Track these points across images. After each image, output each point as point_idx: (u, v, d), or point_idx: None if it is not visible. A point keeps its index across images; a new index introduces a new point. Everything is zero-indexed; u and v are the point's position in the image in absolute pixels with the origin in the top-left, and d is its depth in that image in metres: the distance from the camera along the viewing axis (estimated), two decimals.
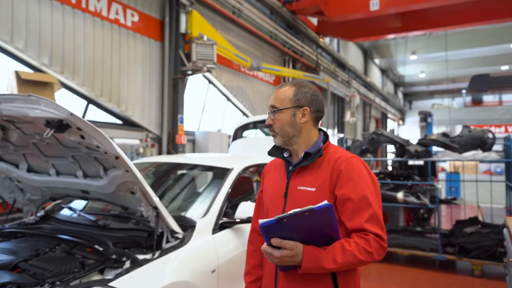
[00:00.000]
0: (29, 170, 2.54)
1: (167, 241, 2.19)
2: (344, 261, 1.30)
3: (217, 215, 2.55)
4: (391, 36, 14.38)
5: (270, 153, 1.63)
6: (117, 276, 1.84)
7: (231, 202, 2.79)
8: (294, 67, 11.93)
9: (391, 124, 27.63)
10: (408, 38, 16.14)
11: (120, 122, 6.55)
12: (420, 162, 6.21)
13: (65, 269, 1.89)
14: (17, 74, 4.34)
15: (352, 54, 19.04)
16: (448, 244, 5.12)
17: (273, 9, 10.43)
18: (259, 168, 3.33)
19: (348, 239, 1.36)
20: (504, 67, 23.00)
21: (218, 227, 2.51)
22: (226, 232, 2.55)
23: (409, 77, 27.54)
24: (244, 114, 9.95)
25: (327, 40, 15.11)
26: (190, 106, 7.94)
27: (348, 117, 15.80)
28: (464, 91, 29.32)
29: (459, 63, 21.83)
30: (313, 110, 1.53)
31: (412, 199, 5.32)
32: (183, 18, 7.05)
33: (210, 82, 8.84)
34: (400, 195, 5.42)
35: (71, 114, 1.73)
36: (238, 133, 4.96)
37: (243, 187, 3.26)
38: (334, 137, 15.55)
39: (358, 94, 16.85)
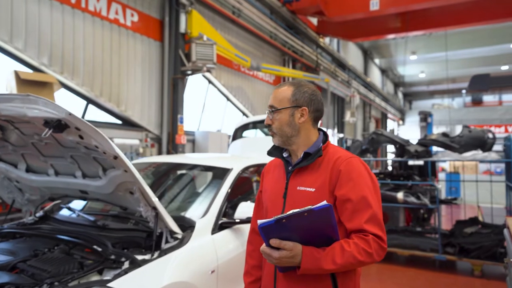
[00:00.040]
0: (28, 170, 2.53)
1: (166, 242, 2.18)
2: (344, 262, 1.30)
3: (217, 215, 2.54)
4: (391, 36, 14.37)
5: (270, 153, 1.63)
6: (116, 276, 1.83)
7: (231, 202, 2.78)
8: (294, 67, 11.93)
9: (391, 124, 27.63)
10: (408, 38, 16.13)
11: (119, 122, 6.54)
12: (420, 162, 6.21)
13: (64, 269, 1.88)
14: (17, 74, 4.33)
15: (352, 54, 19.04)
16: (448, 244, 5.11)
17: (273, 9, 10.43)
18: (258, 168, 3.32)
19: (347, 239, 1.35)
20: (504, 67, 23.00)
21: (218, 227, 2.50)
22: (225, 233, 2.54)
23: (409, 77, 27.54)
24: (244, 114, 9.95)
25: (327, 40, 15.11)
26: (189, 106, 7.93)
27: (348, 117, 15.79)
28: (464, 91, 29.33)
29: (459, 63, 21.83)
30: (311, 110, 1.52)
31: (412, 199, 5.31)
32: (182, 18, 7.04)
33: (209, 82, 8.83)
34: (400, 195, 5.41)
35: (70, 114, 1.73)
36: (237, 133, 4.96)
37: (243, 187, 3.26)
38: (334, 137, 15.56)
39: (358, 94, 16.84)
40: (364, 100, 19.40)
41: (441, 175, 14.15)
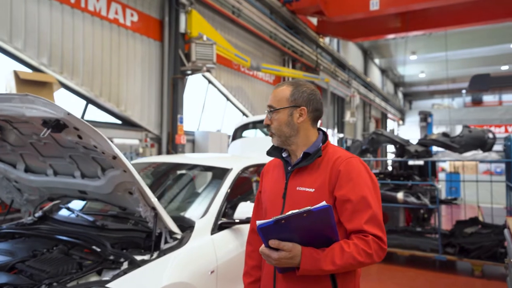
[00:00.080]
0: (27, 170, 2.52)
1: (166, 242, 2.18)
2: (343, 263, 1.29)
3: (216, 215, 2.53)
4: (391, 36, 14.36)
5: (269, 153, 1.62)
6: (115, 277, 1.82)
7: (230, 203, 2.78)
8: (294, 67, 11.92)
9: (391, 124, 27.62)
10: (408, 38, 16.13)
11: (119, 122, 6.54)
12: (420, 162, 6.21)
13: (62, 270, 1.87)
14: (16, 74, 4.33)
15: (352, 54, 19.03)
16: (448, 244, 5.10)
17: (273, 9, 10.42)
18: (258, 168, 3.31)
19: (347, 240, 1.34)
20: (504, 67, 22.99)
21: (217, 227, 2.50)
22: (225, 233, 2.53)
23: (409, 77, 27.53)
24: (244, 114, 9.94)
25: (327, 40, 15.10)
26: (189, 106, 7.93)
27: (348, 117, 15.79)
28: (464, 91, 29.33)
29: (459, 63, 21.83)
30: (310, 110, 1.51)
31: (412, 199, 5.30)
32: (182, 17, 7.03)
33: (209, 82, 8.83)
34: (400, 195, 5.41)
35: (68, 113, 1.72)
36: (237, 133, 4.95)
37: (242, 187, 3.25)
38: (334, 137, 15.55)
39: (358, 94, 16.84)
40: (364, 100, 19.40)
41: (441, 175, 14.15)
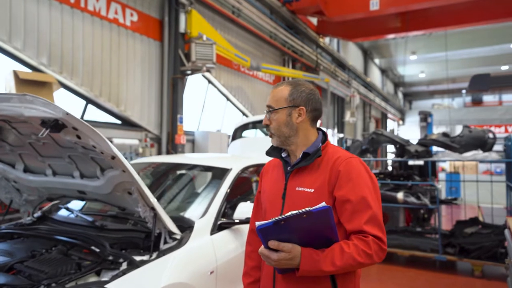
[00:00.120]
0: (26, 170, 2.52)
1: (165, 242, 2.17)
2: (343, 263, 1.28)
3: (216, 215, 2.53)
4: (391, 36, 14.35)
5: (268, 153, 1.61)
6: (114, 277, 1.81)
7: (230, 203, 2.77)
8: (294, 67, 11.92)
9: (391, 124, 27.62)
10: (408, 38, 16.12)
11: (119, 122, 6.53)
12: (420, 162, 6.20)
13: (61, 270, 1.87)
14: (15, 73, 4.32)
15: (352, 54, 19.03)
16: (448, 244, 5.10)
17: (273, 9, 10.41)
18: (258, 168, 3.30)
19: (347, 241, 1.33)
20: (504, 67, 22.99)
21: (217, 227, 2.49)
22: (224, 233, 2.53)
23: (409, 77, 27.53)
24: (244, 114, 9.94)
25: (327, 40, 15.10)
26: (189, 106, 7.92)
27: (348, 117, 15.78)
28: (464, 91, 29.32)
29: (459, 63, 21.82)
30: (309, 110, 1.50)
31: (412, 199, 5.30)
32: (182, 17, 7.03)
33: (209, 82, 8.82)
34: (400, 195, 5.40)
35: (67, 113, 1.71)
36: (237, 133, 4.94)
37: (242, 188, 3.25)
38: (334, 137, 15.55)
39: (358, 94, 16.83)
40: (364, 100, 19.39)
41: (441, 175, 14.14)
